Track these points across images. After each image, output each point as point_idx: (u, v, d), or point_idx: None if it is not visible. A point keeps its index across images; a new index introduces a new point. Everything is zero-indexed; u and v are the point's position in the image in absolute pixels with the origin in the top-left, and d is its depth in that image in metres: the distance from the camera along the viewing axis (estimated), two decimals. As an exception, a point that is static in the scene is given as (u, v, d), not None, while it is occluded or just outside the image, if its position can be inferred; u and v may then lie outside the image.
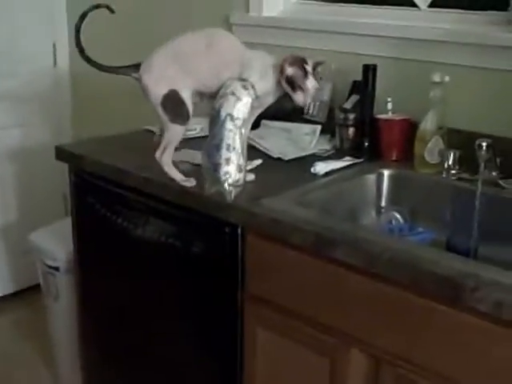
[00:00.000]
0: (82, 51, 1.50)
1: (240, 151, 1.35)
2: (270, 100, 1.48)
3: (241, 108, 1.36)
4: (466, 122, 1.61)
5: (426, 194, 1.59)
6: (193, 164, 1.58)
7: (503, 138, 1.53)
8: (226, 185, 1.35)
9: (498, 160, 1.48)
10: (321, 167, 1.57)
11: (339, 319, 1.26)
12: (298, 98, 1.42)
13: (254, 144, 1.76)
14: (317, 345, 1.31)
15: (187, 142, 1.76)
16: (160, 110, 1.46)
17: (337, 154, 1.70)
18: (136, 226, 1.61)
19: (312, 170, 1.56)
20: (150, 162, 1.51)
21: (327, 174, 1.57)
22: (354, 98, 1.75)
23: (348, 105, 1.76)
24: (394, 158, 1.67)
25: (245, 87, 1.38)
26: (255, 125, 1.93)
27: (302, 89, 1.41)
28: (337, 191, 1.54)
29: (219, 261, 1.44)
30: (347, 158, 1.67)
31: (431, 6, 1.77)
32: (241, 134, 1.36)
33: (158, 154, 1.48)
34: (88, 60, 1.50)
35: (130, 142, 1.83)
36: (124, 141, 1.85)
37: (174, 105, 1.44)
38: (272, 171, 1.58)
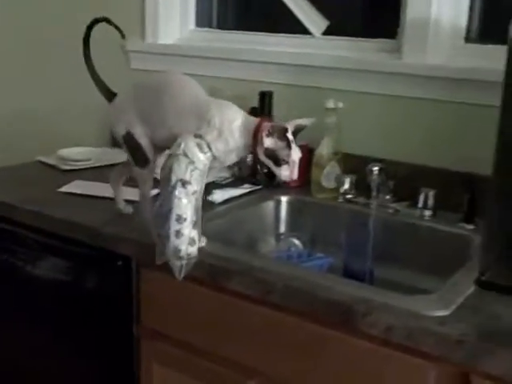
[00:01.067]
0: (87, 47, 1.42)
1: (193, 221, 1.16)
2: (232, 159, 1.26)
3: (195, 172, 1.16)
4: (360, 147, 1.63)
5: (324, 220, 1.59)
6: (87, 195, 1.52)
7: (395, 162, 1.56)
8: (175, 261, 1.17)
9: (390, 184, 1.51)
10: (218, 195, 1.55)
11: (237, 351, 1.23)
12: (284, 173, 1.21)
13: (152, 173, 1.72)
14: (215, 379, 1.27)
15: (80, 173, 1.71)
16: (125, 149, 1.35)
17: (235, 182, 1.69)
18: (26, 263, 1.52)
19: (209, 198, 1.54)
20: (40, 195, 1.44)
21: (225, 201, 1.55)
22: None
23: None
24: (291, 185, 1.67)
25: (200, 147, 1.18)
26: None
27: (286, 162, 1.20)
28: (235, 219, 1.52)
29: (113, 296, 1.38)
30: (246, 185, 1.66)
31: (326, 33, 1.80)
32: (194, 201, 1.17)
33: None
34: (88, 59, 1.41)
35: (21, 174, 1.75)
36: (14, 173, 1.76)
37: (132, 147, 1.32)
38: (169, 200, 1.54)
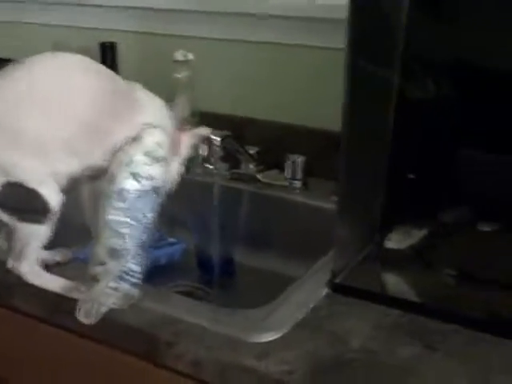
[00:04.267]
0: None
1: None
2: None
3: None
4: (224, 106, 1.34)
5: (181, 196, 1.31)
6: None
7: (260, 122, 1.28)
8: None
9: (253, 149, 1.23)
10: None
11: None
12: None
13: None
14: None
15: None
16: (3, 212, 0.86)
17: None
18: None
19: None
20: None
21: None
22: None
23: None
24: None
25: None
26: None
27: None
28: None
29: None
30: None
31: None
32: None
33: (9, 263, 0.89)
34: None
35: None
36: None
37: (16, 198, 0.85)
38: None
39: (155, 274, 1.17)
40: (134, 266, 0.83)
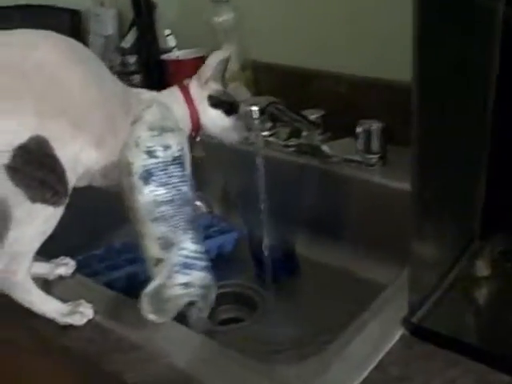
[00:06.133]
0: None
1: None
2: None
3: None
4: (280, 55, 1.07)
5: (234, 170, 1.07)
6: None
7: (332, 74, 1.00)
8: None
9: (319, 114, 0.96)
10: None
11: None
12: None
13: None
14: None
15: None
16: (5, 179, 0.63)
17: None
18: None
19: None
20: None
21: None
22: (134, 32, 1.21)
23: (127, 43, 1.22)
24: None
25: None
26: None
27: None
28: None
29: None
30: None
31: None
32: None
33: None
34: None
35: None
36: None
37: (36, 166, 0.63)
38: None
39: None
40: (191, 245, 0.68)
